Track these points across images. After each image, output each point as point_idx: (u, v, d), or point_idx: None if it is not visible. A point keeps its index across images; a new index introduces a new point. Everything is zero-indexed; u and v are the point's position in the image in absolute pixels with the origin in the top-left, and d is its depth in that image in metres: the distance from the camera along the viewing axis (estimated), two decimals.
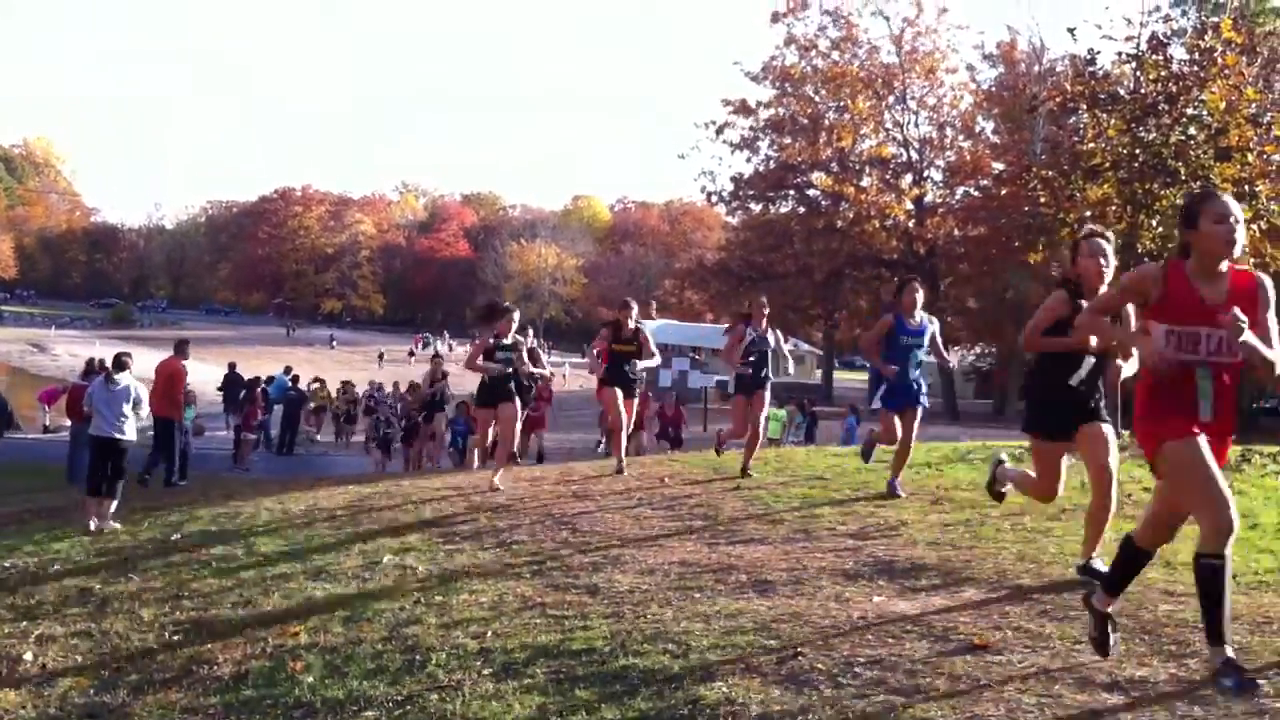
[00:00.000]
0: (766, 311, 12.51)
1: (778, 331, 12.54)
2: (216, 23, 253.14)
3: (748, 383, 12.22)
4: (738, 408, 12.53)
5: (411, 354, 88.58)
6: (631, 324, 12.93)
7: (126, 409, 12.82)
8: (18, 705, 6.45)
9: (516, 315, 12.79)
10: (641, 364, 13.13)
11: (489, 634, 6.48)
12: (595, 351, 13.87)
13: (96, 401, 13.12)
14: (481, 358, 12.35)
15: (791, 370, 14.59)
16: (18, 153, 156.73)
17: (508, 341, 12.40)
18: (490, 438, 13.37)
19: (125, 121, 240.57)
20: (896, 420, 10.29)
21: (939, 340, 10.71)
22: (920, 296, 10.43)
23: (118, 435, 12.78)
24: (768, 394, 12.49)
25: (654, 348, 13.36)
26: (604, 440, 18.97)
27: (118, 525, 12.02)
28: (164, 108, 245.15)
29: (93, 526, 11.92)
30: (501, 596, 7.34)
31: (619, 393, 12.89)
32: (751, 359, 12.15)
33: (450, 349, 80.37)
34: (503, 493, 11.53)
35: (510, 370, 12.33)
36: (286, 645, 6.87)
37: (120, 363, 13.28)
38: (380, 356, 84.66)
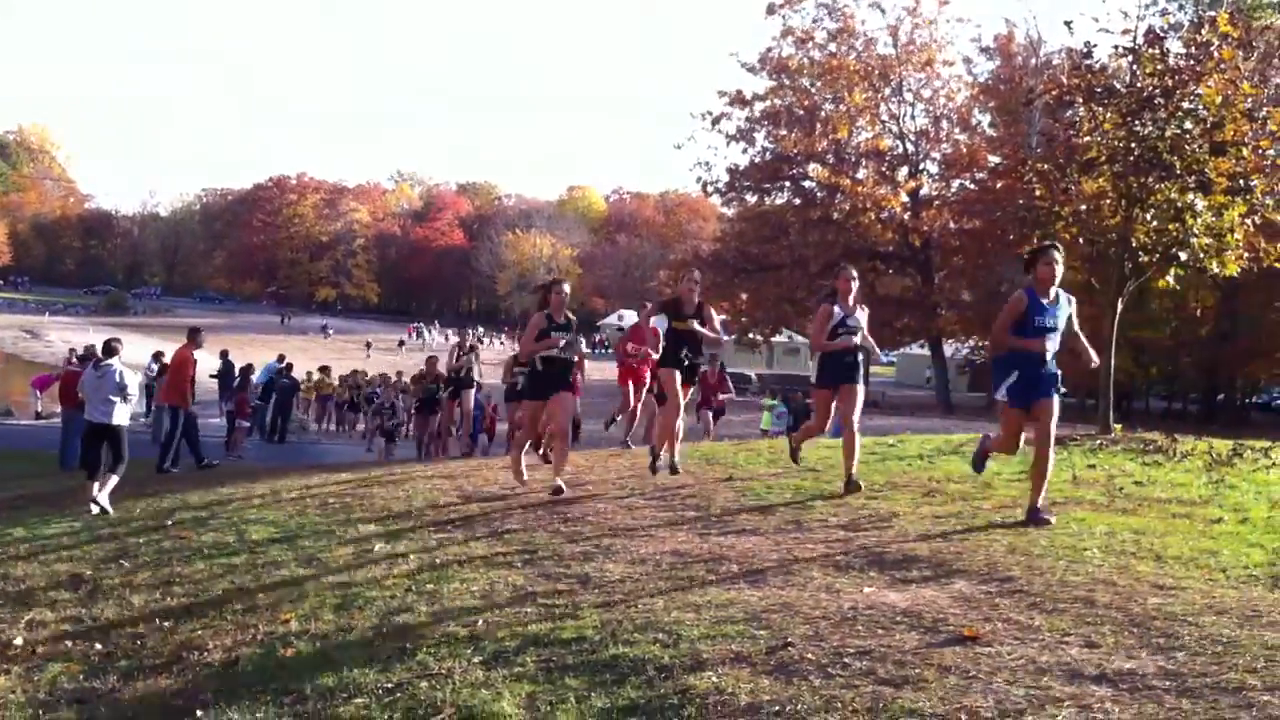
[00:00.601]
0: (855, 286, 10.44)
1: (867, 311, 10.58)
2: (214, 14, 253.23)
3: (835, 373, 10.19)
4: (822, 403, 10.47)
5: (401, 343, 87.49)
6: (696, 298, 11.30)
7: (114, 394, 12.86)
8: (8, 690, 6.45)
9: (567, 287, 11.30)
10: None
11: (479, 622, 6.48)
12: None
13: (86, 388, 13.24)
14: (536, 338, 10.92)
15: (881, 359, 11.72)
16: (12, 139, 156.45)
17: (562, 321, 10.90)
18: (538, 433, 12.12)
19: (120, 109, 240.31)
20: (1023, 420, 8.76)
21: (1075, 322, 8.84)
22: (1060, 269, 8.66)
23: (107, 421, 12.84)
24: (860, 389, 10.28)
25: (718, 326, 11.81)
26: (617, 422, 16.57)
27: (110, 509, 12.05)
28: (159, 96, 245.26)
29: (93, 509, 12.03)
30: (492, 585, 7.34)
31: (677, 375, 11.28)
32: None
33: (446, 338, 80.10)
34: (564, 491, 10.51)
35: (570, 356, 10.97)
36: (277, 632, 6.88)
37: (110, 349, 13.33)
38: (367, 346, 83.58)
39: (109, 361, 13.08)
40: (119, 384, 12.87)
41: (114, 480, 12.63)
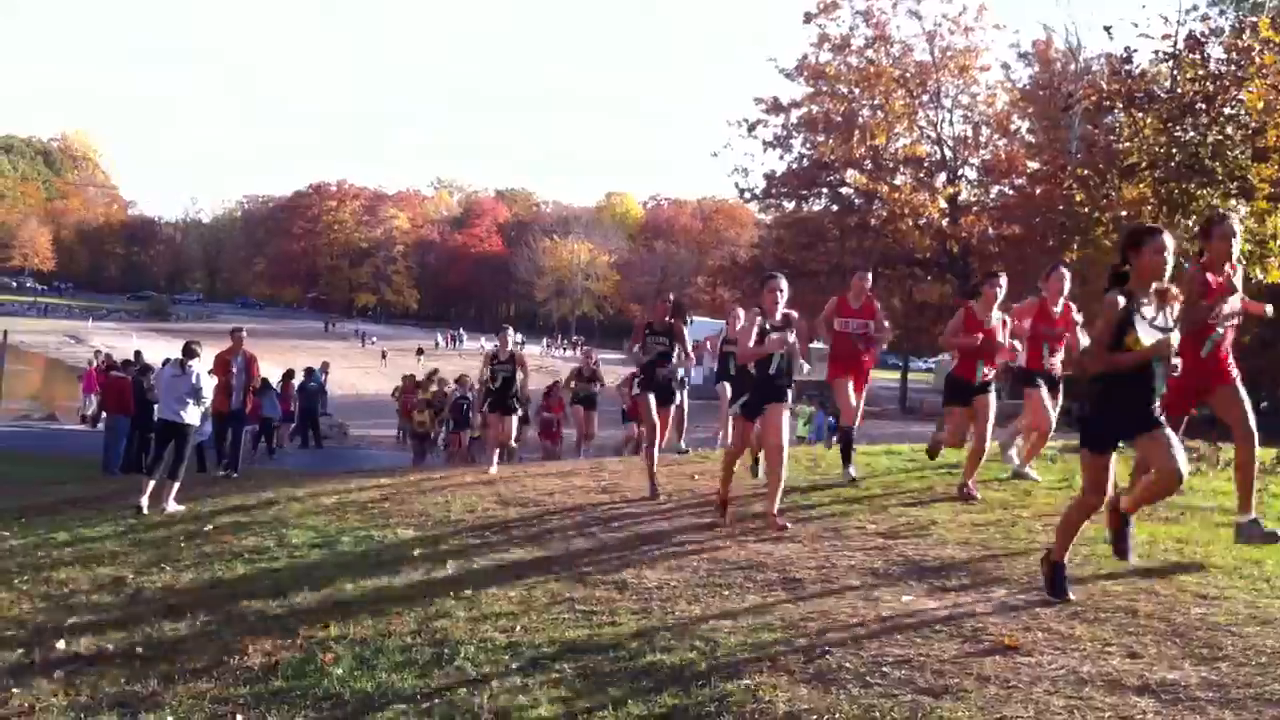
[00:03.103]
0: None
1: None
2: (255, 20, 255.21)
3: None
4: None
5: (420, 352, 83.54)
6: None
7: (189, 396, 13.09)
8: (50, 693, 6.51)
9: (783, 284, 9.22)
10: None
11: (517, 628, 6.50)
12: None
13: (161, 385, 13.55)
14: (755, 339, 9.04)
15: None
16: (56, 146, 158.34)
17: (775, 321, 9.03)
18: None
19: (164, 116, 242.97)
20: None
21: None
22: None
23: (177, 420, 13.07)
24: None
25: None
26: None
27: (181, 507, 12.35)
28: (203, 103, 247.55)
29: (144, 507, 12.22)
30: (530, 591, 7.36)
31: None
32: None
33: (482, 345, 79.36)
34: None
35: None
36: (316, 637, 6.91)
37: (190, 351, 13.50)
38: (383, 355, 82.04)
39: (190, 363, 13.28)
40: (195, 386, 13.11)
41: (175, 486, 12.83)
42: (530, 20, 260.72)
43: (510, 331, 14.56)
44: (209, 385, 13.51)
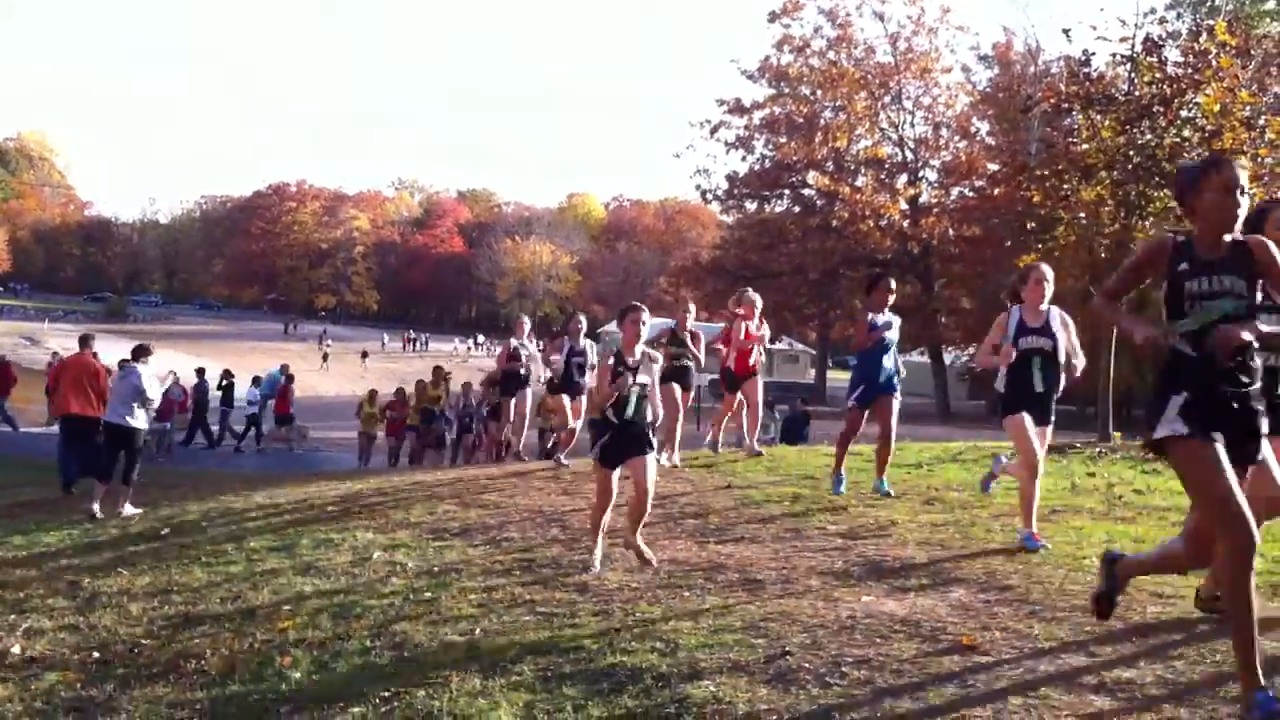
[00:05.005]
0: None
1: None
2: (214, 19, 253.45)
3: None
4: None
5: (365, 355, 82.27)
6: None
7: (133, 399, 12.99)
8: (4, 699, 6.43)
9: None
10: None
11: (477, 631, 6.47)
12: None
13: (112, 390, 13.46)
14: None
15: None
16: (12, 145, 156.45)
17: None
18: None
19: (120, 115, 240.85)
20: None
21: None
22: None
23: (122, 423, 12.97)
24: None
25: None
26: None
27: (137, 511, 12.26)
28: (159, 102, 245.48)
29: (97, 511, 12.11)
30: (490, 593, 7.33)
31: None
32: None
33: (471, 347, 78.38)
34: None
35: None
36: (275, 640, 6.86)
37: (141, 351, 13.41)
38: (324, 358, 79.10)
39: (134, 364, 13.18)
40: (138, 388, 13.00)
41: (129, 490, 12.74)
42: (492, 19, 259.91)
43: (646, 317, 8.28)
44: (155, 388, 13.40)
